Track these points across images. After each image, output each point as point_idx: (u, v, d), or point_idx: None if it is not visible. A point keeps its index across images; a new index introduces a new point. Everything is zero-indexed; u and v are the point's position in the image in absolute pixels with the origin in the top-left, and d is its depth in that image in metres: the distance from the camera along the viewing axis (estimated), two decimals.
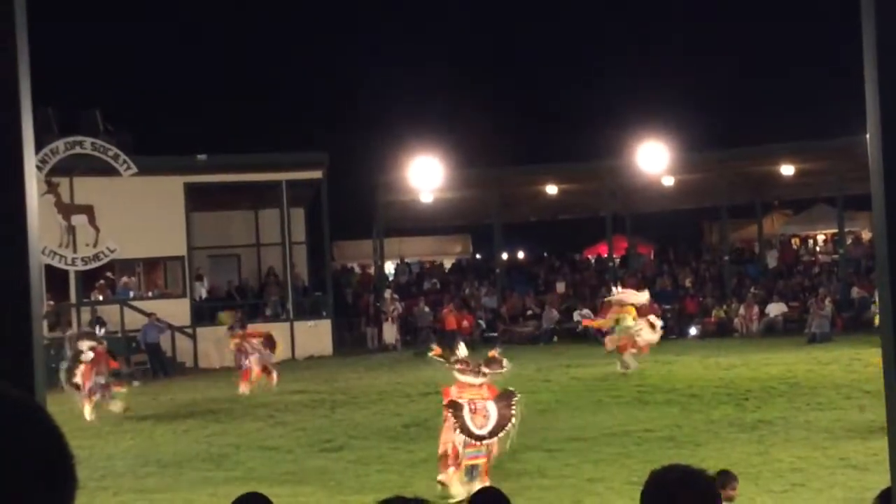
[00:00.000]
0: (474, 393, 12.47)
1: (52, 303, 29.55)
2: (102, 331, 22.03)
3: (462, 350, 13.17)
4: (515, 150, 40.74)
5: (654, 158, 34.08)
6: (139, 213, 30.11)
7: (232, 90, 46.89)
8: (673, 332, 32.09)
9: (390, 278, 38.95)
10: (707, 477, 2.80)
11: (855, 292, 32.29)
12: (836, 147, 32.25)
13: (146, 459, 16.20)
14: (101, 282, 31.50)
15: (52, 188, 29.13)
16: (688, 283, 35.38)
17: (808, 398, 18.62)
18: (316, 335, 30.42)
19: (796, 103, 42.67)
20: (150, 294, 32.62)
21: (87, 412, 20.12)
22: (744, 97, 45.09)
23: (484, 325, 33.56)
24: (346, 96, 49.17)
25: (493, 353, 13.38)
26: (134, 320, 29.80)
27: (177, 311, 30.90)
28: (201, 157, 31.60)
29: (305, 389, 23.09)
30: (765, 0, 46.47)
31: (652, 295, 33.64)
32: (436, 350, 13.40)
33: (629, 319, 23.79)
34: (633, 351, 23.73)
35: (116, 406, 20.83)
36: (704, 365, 24.12)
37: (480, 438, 12.29)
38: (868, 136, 2.28)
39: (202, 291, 33.46)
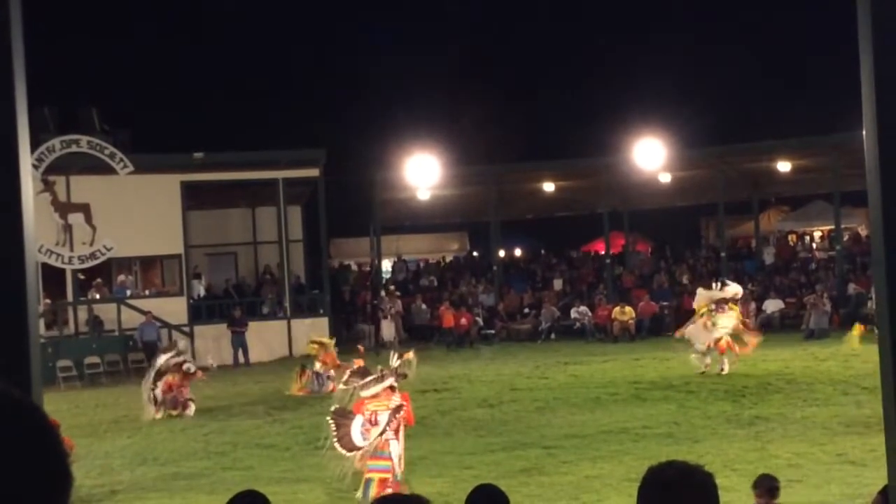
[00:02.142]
0: (379, 403, 11.97)
1: (48, 301, 29.54)
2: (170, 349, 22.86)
3: (393, 360, 12.55)
4: (512, 147, 40.72)
5: (651, 155, 34.06)
6: (136, 211, 30.09)
7: (228, 88, 46.86)
8: (670, 329, 32.13)
9: (387, 276, 38.93)
10: (704, 472, 2.80)
11: (851, 288, 32.31)
12: (832, 143, 32.26)
13: (144, 458, 16.20)
14: (98, 280, 31.48)
15: (48, 187, 29.15)
16: (685, 279, 35.37)
17: (805, 394, 18.64)
18: (313, 333, 30.36)
19: (793, 100, 42.69)
20: (146, 292, 32.60)
21: (150, 413, 20.26)
22: (740, 94, 45.08)
23: (481, 323, 33.56)
24: (343, 94, 49.10)
25: (408, 355, 12.80)
26: (131, 318, 29.77)
27: (174, 309, 30.87)
28: (198, 155, 31.55)
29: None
30: None
31: (649, 292, 33.89)
32: (357, 363, 12.86)
33: (726, 318, 22.18)
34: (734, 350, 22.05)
35: (190, 411, 20.85)
36: None
37: (357, 449, 11.79)
38: (864, 132, 2.28)
39: (200, 289, 33.44)
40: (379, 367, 12.26)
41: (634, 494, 2.80)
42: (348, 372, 12.42)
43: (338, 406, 12.25)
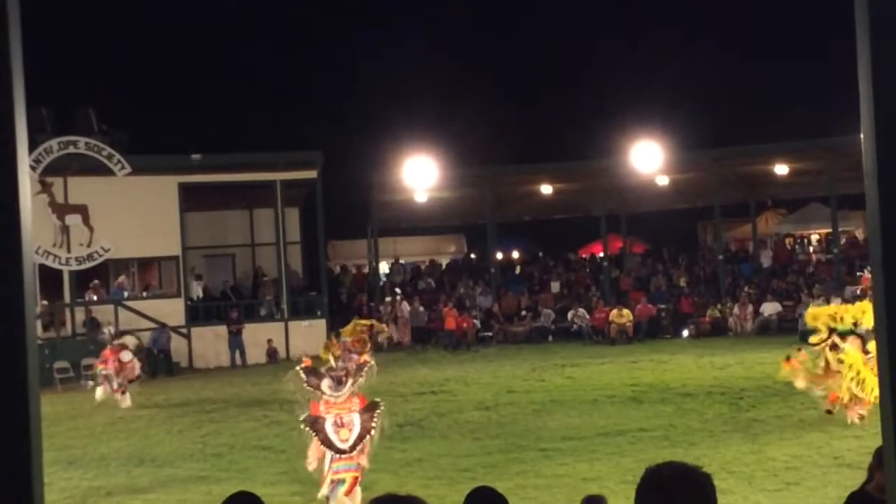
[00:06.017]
0: (341, 406, 11.96)
1: (45, 303, 29.50)
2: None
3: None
4: (510, 149, 40.75)
5: (648, 158, 34.10)
6: (133, 212, 30.08)
7: (226, 89, 46.85)
8: (667, 331, 32.16)
9: (384, 278, 38.92)
10: (702, 472, 2.80)
11: (848, 292, 32.32)
12: (829, 146, 32.30)
13: (140, 459, 16.18)
14: (95, 282, 31.43)
15: (45, 188, 29.13)
16: (682, 282, 35.39)
17: (802, 397, 18.60)
18: (310, 335, 30.37)
19: (790, 102, 42.74)
20: (144, 294, 32.57)
21: (99, 394, 22.14)
22: (738, 96, 45.13)
23: (479, 325, 33.56)
24: (341, 95, 49.16)
25: (365, 358, 12.83)
26: (128, 320, 29.74)
27: (171, 310, 30.86)
28: (196, 156, 31.56)
29: (300, 389, 23.02)
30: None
31: (646, 294, 33.89)
32: (306, 362, 12.81)
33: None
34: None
35: (125, 402, 22.13)
36: (699, 364, 24.14)
37: (342, 452, 11.76)
38: (862, 135, 2.28)
39: (198, 291, 33.40)
40: (325, 369, 12.26)
41: (632, 496, 2.80)
42: (302, 372, 12.40)
43: (306, 414, 12.24)
